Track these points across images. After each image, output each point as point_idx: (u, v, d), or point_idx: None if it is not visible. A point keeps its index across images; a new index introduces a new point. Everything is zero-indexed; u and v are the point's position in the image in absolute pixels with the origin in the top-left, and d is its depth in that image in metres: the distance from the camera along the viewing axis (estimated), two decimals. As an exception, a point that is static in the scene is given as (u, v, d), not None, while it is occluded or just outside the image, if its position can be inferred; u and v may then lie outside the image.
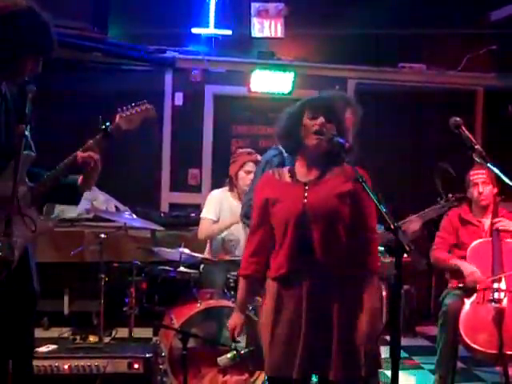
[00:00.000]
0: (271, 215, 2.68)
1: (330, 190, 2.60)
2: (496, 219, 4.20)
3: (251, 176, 4.57)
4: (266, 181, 2.78)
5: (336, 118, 2.68)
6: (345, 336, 2.54)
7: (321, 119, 2.63)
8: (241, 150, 5.01)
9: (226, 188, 4.96)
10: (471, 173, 4.30)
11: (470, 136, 2.94)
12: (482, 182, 4.25)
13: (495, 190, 4.27)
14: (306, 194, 2.62)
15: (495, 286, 4.01)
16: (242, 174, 4.73)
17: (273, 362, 2.62)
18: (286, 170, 2.77)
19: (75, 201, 2.75)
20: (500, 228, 4.16)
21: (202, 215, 4.80)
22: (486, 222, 4.28)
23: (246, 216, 3.74)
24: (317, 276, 2.57)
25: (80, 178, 2.64)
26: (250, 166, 4.70)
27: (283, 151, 3.29)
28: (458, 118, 3.00)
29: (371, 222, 2.65)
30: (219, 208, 4.77)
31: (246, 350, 3.12)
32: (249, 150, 4.94)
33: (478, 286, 4.06)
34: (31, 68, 2.47)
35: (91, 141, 2.64)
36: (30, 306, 2.70)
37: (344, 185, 2.62)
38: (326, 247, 2.56)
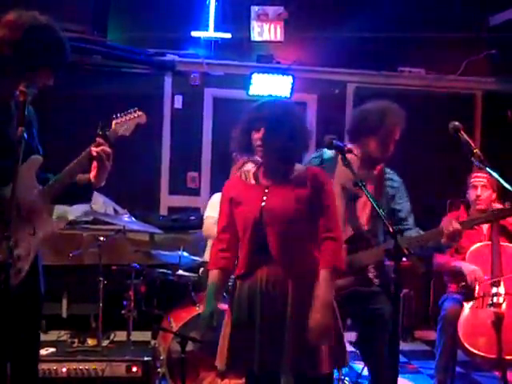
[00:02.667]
0: (234, 215, 2.79)
1: (288, 194, 2.69)
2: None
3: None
4: (232, 182, 2.91)
5: (280, 125, 2.69)
6: (299, 333, 2.61)
7: (262, 131, 2.71)
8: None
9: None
10: (472, 175, 4.33)
11: (469, 140, 2.95)
12: (481, 185, 4.26)
13: (494, 196, 4.27)
14: (264, 198, 2.71)
15: (494, 290, 4.01)
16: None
17: (229, 356, 2.72)
18: (251, 172, 2.86)
19: (89, 197, 2.81)
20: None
21: (205, 214, 4.78)
22: (485, 226, 4.28)
23: None
24: (273, 276, 2.66)
25: (92, 174, 2.68)
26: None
27: (324, 155, 3.32)
28: (457, 123, 3.01)
29: (330, 223, 2.72)
30: (218, 221, 4.76)
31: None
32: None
33: (477, 291, 4.06)
34: (44, 80, 2.56)
35: (85, 152, 2.68)
36: (36, 309, 2.73)
37: (303, 188, 2.69)
38: (282, 249, 2.66)
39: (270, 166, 2.79)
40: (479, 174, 4.26)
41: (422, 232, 3.26)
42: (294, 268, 2.67)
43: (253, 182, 2.82)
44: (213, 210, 4.75)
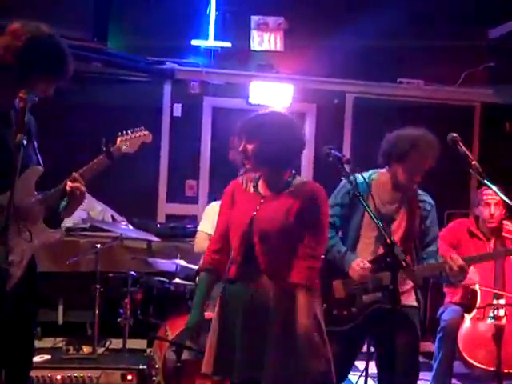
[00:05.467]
0: (228, 218, 2.81)
1: (280, 206, 2.69)
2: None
3: None
4: (233, 186, 2.90)
5: (257, 136, 2.69)
6: (279, 346, 2.60)
7: (243, 144, 2.74)
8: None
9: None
10: (484, 192, 4.28)
11: (467, 152, 2.96)
12: (494, 203, 4.23)
13: (503, 212, 4.26)
14: (257, 207, 2.72)
15: (495, 302, 4.01)
16: None
17: (214, 361, 2.72)
18: (251, 179, 2.86)
19: (54, 226, 2.76)
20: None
21: (198, 228, 4.77)
22: (492, 239, 4.30)
23: None
24: (258, 285, 2.67)
25: (62, 205, 2.70)
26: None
27: (357, 179, 3.15)
28: (455, 134, 3.02)
29: (316, 239, 2.70)
30: (216, 221, 4.75)
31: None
32: None
33: (478, 302, 4.06)
34: (44, 90, 2.59)
35: (86, 166, 2.72)
36: (32, 315, 2.73)
37: (295, 201, 2.69)
38: (270, 260, 2.66)
39: (265, 177, 2.80)
40: (490, 191, 4.21)
41: (441, 259, 3.27)
42: (280, 280, 2.66)
43: (251, 190, 2.82)
44: (206, 223, 4.73)
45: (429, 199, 3.42)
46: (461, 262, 3.13)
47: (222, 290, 2.84)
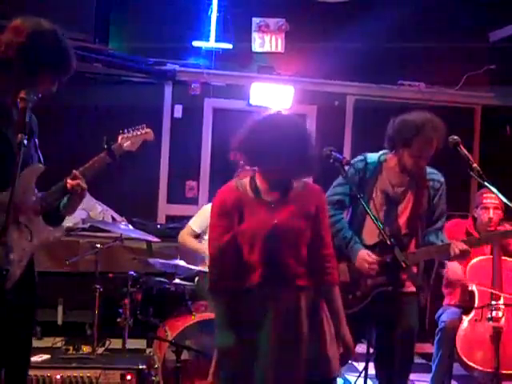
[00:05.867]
0: (236, 230, 2.64)
1: (296, 211, 2.65)
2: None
3: None
4: (228, 191, 2.73)
5: (283, 139, 2.64)
6: (310, 347, 2.58)
7: (256, 142, 2.66)
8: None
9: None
10: (484, 195, 4.28)
11: (467, 154, 2.96)
12: (493, 207, 4.23)
13: (502, 215, 4.27)
14: (273, 214, 2.63)
15: (493, 303, 4.01)
16: None
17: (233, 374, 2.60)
18: (247, 183, 2.72)
19: (55, 223, 2.74)
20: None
21: (189, 222, 4.86)
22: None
23: None
24: (281, 288, 2.61)
25: (63, 203, 2.68)
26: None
27: (367, 159, 3.39)
28: (455, 137, 3.03)
29: (329, 239, 2.74)
30: (206, 223, 4.80)
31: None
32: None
33: (476, 303, 4.06)
34: (46, 87, 2.58)
35: (88, 164, 2.71)
36: (30, 314, 2.71)
37: (309, 206, 2.67)
38: (290, 262, 2.61)
39: (272, 181, 2.69)
40: (490, 195, 4.20)
41: (442, 236, 3.36)
42: (303, 284, 2.64)
43: (251, 195, 2.70)
44: (195, 221, 4.83)
45: (438, 177, 3.43)
46: (463, 246, 3.21)
47: (242, 302, 2.64)
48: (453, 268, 4.21)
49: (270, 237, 2.61)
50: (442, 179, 3.43)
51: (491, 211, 4.24)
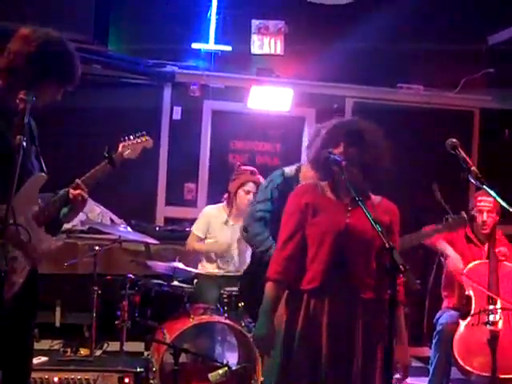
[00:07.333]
0: (309, 224, 2.67)
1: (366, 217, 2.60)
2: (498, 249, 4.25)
3: (250, 196, 4.58)
4: (306, 189, 2.77)
5: (359, 141, 2.67)
6: (367, 357, 2.55)
7: (341, 146, 2.66)
8: (244, 168, 4.97)
9: (222, 204, 4.95)
10: (478, 198, 4.30)
11: (466, 157, 2.96)
12: (487, 210, 4.25)
13: (497, 218, 4.27)
14: (348, 214, 2.64)
15: (491, 307, 4.01)
16: (241, 192, 4.72)
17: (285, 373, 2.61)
18: (326, 185, 2.74)
19: (55, 233, 2.76)
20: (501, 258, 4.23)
21: (192, 228, 4.88)
22: (486, 243, 4.32)
23: (245, 229, 3.76)
24: (344, 295, 2.58)
25: (63, 212, 2.70)
26: (250, 187, 4.68)
27: (285, 173, 3.52)
28: (454, 140, 3.02)
29: None
30: (208, 226, 4.82)
31: (238, 366, 3.11)
32: (252, 168, 4.90)
33: (473, 308, 4.06)
34: (52, 95, 2.65)
35: (89, 173, 2.74)
36: (31, 317, 2.74)
37: (383, 216, 2.65)
38: (358, 269, 2.59)
39: (351, 183, 2.58)
40: (484, 198, 4.23)
41: None
42: (368, 297, 2.61)
43: (331, 195, 2.71)
44: (198, 227, 4.84)
45: None
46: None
47: (302, 301, 2.64)
48: (453, 259, 4.20)
49: (341, 234, 2.60)
50: None
51: (485, 214, 4.26)
